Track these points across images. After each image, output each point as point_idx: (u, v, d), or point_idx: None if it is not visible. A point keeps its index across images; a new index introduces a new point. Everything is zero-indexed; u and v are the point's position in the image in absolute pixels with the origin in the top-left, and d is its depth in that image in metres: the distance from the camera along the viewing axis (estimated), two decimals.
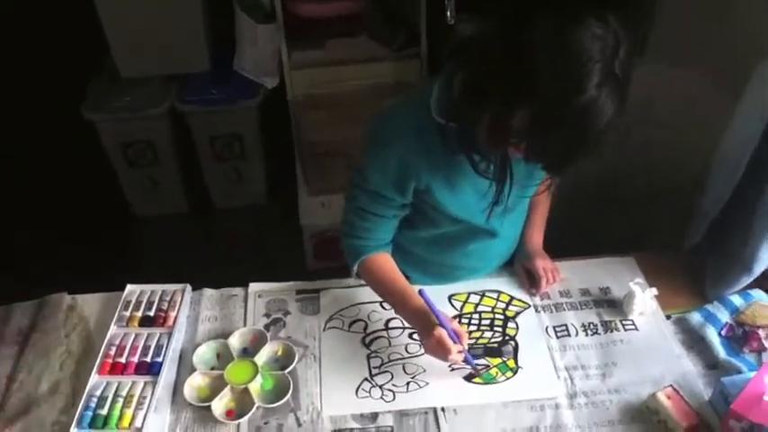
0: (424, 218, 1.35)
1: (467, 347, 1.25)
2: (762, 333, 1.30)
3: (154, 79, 2.74)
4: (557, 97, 0.93)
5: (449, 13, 2.24)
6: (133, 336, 1.38)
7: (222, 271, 1.55)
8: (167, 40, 2.62)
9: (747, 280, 1.38)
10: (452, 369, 1.32)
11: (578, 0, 0.96)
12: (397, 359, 1.34)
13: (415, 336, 1.38)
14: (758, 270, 1.36)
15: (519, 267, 1.50)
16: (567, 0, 0.97)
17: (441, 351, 1.21)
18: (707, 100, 1.70)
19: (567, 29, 0.93)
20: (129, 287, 1.48)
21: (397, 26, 2.65)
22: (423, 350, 1.30)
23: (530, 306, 1.45)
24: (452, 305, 1.45)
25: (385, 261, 1.36)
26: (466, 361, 1.28)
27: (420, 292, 1.26)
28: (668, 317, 1.42)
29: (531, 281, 1.48)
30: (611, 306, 1.44)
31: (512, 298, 1.47)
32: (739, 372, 1.26)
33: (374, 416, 1.25)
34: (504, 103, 0.98)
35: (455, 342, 1.21)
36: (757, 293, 1.42)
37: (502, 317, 1.42)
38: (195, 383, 1.29)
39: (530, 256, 1.47)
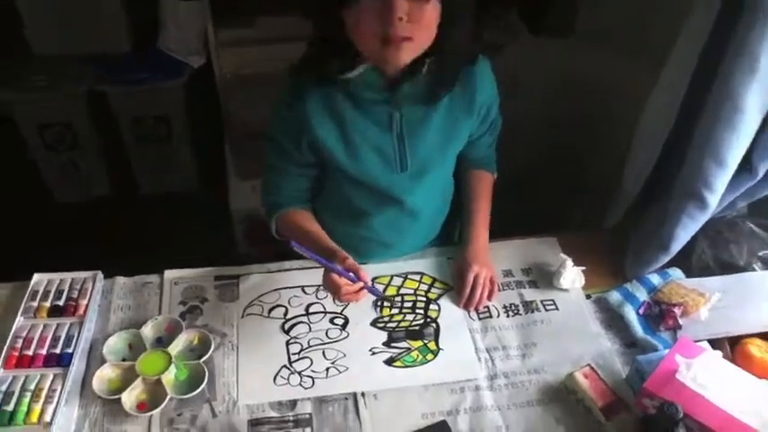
0: (330, 182, 1.37)
1: (369, 281, 1.18)
2: (677, 311, 1.32)
3: (71, 58, 2.62)
4: None
5: None
6: (41, 327, 1.32)
7: (146, 258, 1.49)
8: (83, 18, 2.50)
9: (665, 259, 1.41)
10: (373, 354, 1.30)
11: None
12: (316, 345, 1.32)
13: (336, 320, 1.36)
14: (675, 249, 1.39)
15: (455, 269, 1.46)
16: None
17: (332, 289, 1.17)
18: (629, 81, 1.72)
19: None
20: (36, 276, 1.41)
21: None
22: (343, 335, 1.31)
23: (452, 288, 1.44)
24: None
25: (301, 216, 1.37)
26: (372, 291, 1.21)
27: (291, 243, 1.16)
28: (588, 296, 1.43)
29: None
30: (533, 286, 1.45)
31: (434, 280, 1.45)
32: (656, 350, 1.28)
33: (293, 403, 1.22)
34: None
35: (354, 281, 1.16)
36: (674, 272, 1.44)
37: (424, 299, 1.41)
38: (105, 375, 1.24)
39: (467, 261, 1.41)
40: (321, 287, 1.38)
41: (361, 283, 1.17)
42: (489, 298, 1.40)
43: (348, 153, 1.26)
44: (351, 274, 1.16)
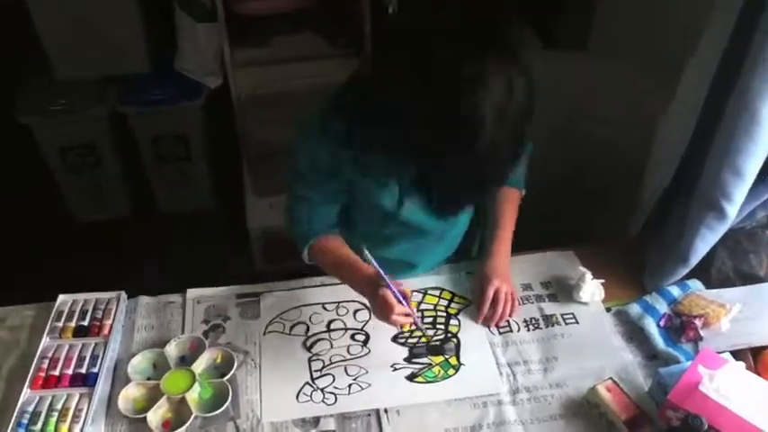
0: (359, 213, 1.37)
1: (415, 311, 1.24)
2: (698, 322, 1.32)
3: (91, 81, 2.66)
4: (456, 148, 0.99)
5: (390, 10, 2.24)
6: (67, 347, 1.33)
7: (167, 277, 1.51)
8: (103, 40, 2.55)
9: (684, 271, 1.40)
10: (395, 369, 1.31)
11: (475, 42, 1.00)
12: (338, 361, 1.33)
13: (357, 337, 1.36)
14: (694, 261, 1.38)
15: (474, 284, 1.45)
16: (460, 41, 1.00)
17: (385, 309, 1.19)
18: (645, 93, 1.72)
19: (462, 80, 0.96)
20: (61, 297, 1.43)
21: (343, 23, 2.62)
22: (365, 351, 1.32)
23: (471, 303, 1.44)
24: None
25: (333, 241, 1.36)
26: (413, 323, 1.26)
27: (363, 252, 1.22)
28: (608, 309, 1.43)
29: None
30: (553, 300, 1.45)
31: (453, 295, 1.46)
32: (677, 362, 1.28)
33: (316, 420, 1.23)
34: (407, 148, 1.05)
35: (402, 304, 1.20)
36: (694, 284, 1.44)
37: (444, 314, 1.42)
38: (130, 395, 1.26)
39: (487, 275, 1.40)
40: (341, 303, 1.40)
41: (409, 310, 1.21)
42: (510, 314, 1.39)
43: (381, 189, 1.28)
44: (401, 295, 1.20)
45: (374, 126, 1.09)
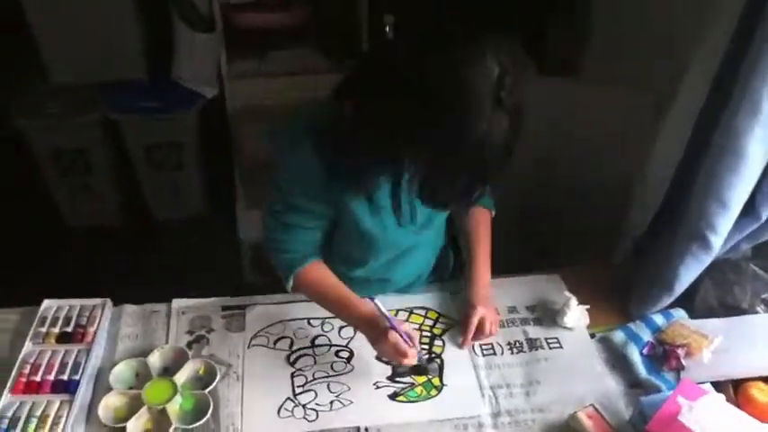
0: (343, 235, 1.35)
1: (419, 348, 1.25)
2: (680, 352, 1.32)
3: (86, 86, 2.67)
4: (450, 136, 0.97)
5: (387, 28, 2.25)
6: (49, 353, 1.33)
7: (155, 285, 1.51)
8: (99, 46, 2.56)
9: (668, 299, 1.41)
10: (377, 387, 1.31)
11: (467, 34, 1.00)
12: (321, 377, 1.32)
13: (342, 353, 1.36)
14: (679, 290, 1.39)
15: (461, 313, 1.44)
16: (455, 35, 1.00)
17: (397, 355, 1.21)
18: (634, 121, 1.74)
19: (457, 67, 0.96)
20: (46, 302, 1.42)
21: (340, 38, 2.64)
22: (348, 368, 1.32)
23: (457, 323, 1.44)
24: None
25: (320, 270, 1.35)
26: (419, 359, 1.29)
27: (372, 299, 1.24)
28: (592, 335, 1.43)
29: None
30: (538, 324, 1.45)
31: (439, 315, 1.46)
32: (659, 390, 1.28)
33: None
34: (399, 140, 1.03)
35: (408, 345, 1.22)
36: (678, 312, 1.44)
37: (429, 334, 1.42)
38: (111, 403, 1.25)
39: (472, 304, 1.40)
40: (326, 319, 1.40)
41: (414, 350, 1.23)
42: (490, 333, 1.40)
43: (372, 212, 1.27)
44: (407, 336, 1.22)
45: (365, 129, 1.08)
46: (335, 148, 1.14)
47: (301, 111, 1.26)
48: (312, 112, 1.23)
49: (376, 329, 1.24)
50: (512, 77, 0.98)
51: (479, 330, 1.38)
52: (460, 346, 1.40)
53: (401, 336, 1.22)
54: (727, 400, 1.20)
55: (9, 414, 1.21)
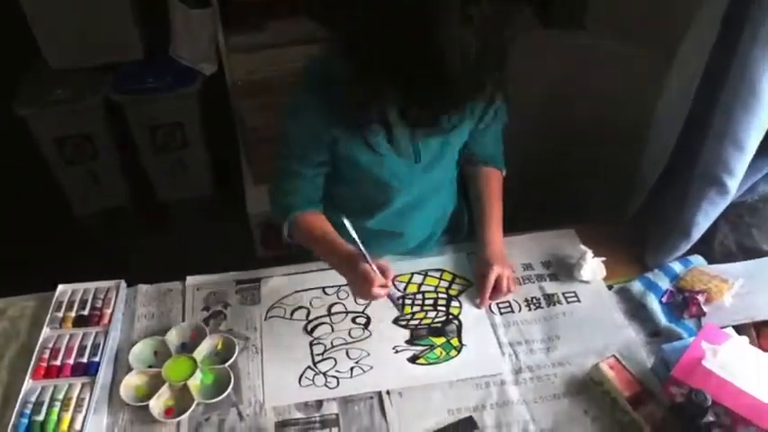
0: (339, 180, 1.36)
1: (391, 283, 1.21)
2: (700, 298, 1.31)
3: (86, 70, 2.65)
4: (413, 48, 0.98)
5: None
6: (68, 337, 1.33)
7: (167, 266, 1.50)
8: (96, 29, 2.53)
9: (686, 246, 1.40)
10: (396, 352, 1.31)
11: None
12: (340, 345, 1.32)
13: (359, 320, 1.36)
14: (696, 236, 1.37)
15: (477, 273, 1.44)
16: None
17: (364, 285, 1.19)
18: (642, 70, 1.71)
19: None
20: (60, 287, 1.42)
21: (335, 4, 2.60)
22: (366, 334, 1.32)
23: (473, 284, 1.43)
24: (395, 286, 1.42)
25: (313, 216, 1.36)
26: (389, 296, 1.24)
27: (344, 223, 1.20)
28: (610, 287, 1.42)
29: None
30: (554, 279, 1.44)
31: (454, 276, 1.45)
32: (680, 338, 1.27)
33: (318, 404, 1.23)
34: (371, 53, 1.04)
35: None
36: (696, 259, 1.43)
37: (445, 296, 1.41)
38: (132, 383, 1.25)
39: (488, 262, 1.39)
40: (341, 287, 1.40)
41: (384, 281, 1.19)
42: (508, 290, 1.39)
43: (373, 155, 1.26)
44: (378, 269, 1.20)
45: (348, 55, 1.10)
46: (329, 83, 1.17)
47: (306, 65, 1.26)
48: (313, 63, 1.25)
49: (352, 264, 1.22)
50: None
51: (497, 289, 1.37)
52: (478, 305, 1.39)
53: (372, 267, 1.19)
54: (750, 343, 1.20)
55: (32, 399, 1.22)
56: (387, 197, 1.36)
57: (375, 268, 1.19)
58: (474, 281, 1.44)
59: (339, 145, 1.26)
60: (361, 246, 1.18)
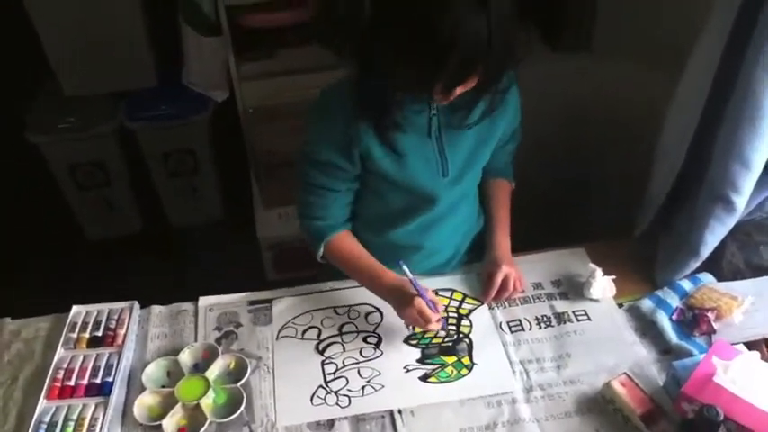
0: (365, 193, 1.38)
1: (443, 316, 1.29)
2: (710, 315, 1.31)
3: (99, 98, 2.68)
4: (423, 28, 0.99)
5: None
6: (82, 357, 1.34)
7: (180, 289, 1.52)
8: (109, 57, 2.57)
9: (695, 264, 1.40)
10: (408, 371, 1.31)
11: None
12: (351, 364, 1.33)
13: (370, 339, 1.37)
14: (705, 253, 1.38)
15: (484, 274, 1.46)
16: None
17: (421, 320, 1.25)
18: (649, 90, 1.73)
19: None
20: (75, 308, 1.44)
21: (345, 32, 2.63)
22: (377, 353, 1.33)
23: (483, 303, 1.44)
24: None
25: (349, 239, 1.39)
26: (442, 328, 1.32)
27: (399, 262, 1.27)
28: (620, 305, 1.42)
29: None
30: (564, 298, 1.44)
31: (465, 296, 1.46)
32: (691, 355, 1.27)
33: (330, 423, 1.23)
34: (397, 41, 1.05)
35: (433, 311, 1.25)
36: (705, 277, 1.43)
37: (455, 315, 1.42)
38: (145, 402, 1.26)
39: (496, 262, 1.42)
40: (352, 307, 1.41)
41: (438, 315, 1.27)
42: (516, 289, 1.42)
43: (395, 160, 1.27)
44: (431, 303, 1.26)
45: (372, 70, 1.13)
46: (350, 91, 1.20)
47: (336, 82, 1.28)
48: (331, 84, 1.28)
49: (402, 296, 1.27)
50: None
51: (503, 287, 1.39)
52: (483, 300, 1.42)
53: (426, 302, 1.24)
54: (762, 359, 1.19)
55: (46, 419, 1.23)
56: (409, 210, 1.37)
57: (429, 300, 1.25)
58: (480, 281, 1.46)
59: (362, 146, 1.25)
60: (415, 280, 1.24)
